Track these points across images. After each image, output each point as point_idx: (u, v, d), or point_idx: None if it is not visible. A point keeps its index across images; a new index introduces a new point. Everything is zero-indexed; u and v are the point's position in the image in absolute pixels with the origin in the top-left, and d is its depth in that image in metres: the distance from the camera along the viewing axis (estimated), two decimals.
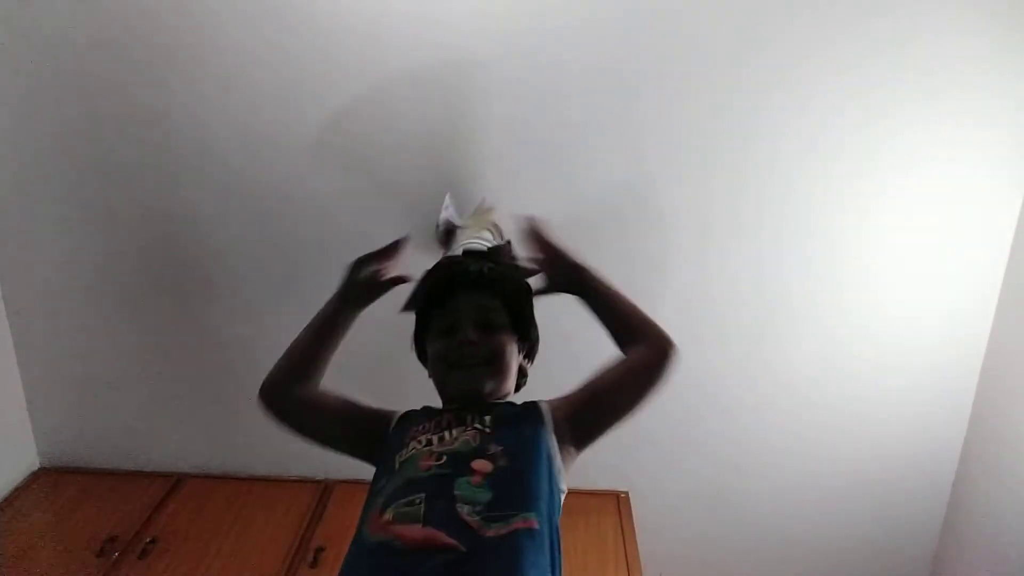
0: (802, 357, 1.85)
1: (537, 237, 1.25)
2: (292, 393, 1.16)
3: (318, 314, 1.23)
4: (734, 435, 1.94)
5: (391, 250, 1.28)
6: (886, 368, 1.85)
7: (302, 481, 1.99)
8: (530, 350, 1.25)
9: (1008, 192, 1.67)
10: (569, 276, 1.22)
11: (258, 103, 1.65)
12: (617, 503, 1.93)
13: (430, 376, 1.19)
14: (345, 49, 1.59)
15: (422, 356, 1.23)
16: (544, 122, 1.65)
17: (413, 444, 1.04)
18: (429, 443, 1.02)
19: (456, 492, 0.92)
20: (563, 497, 1.06)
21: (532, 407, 1.10)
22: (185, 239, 1.80)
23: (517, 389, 1.22)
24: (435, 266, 1.29)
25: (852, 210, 1.70)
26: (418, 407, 1.16)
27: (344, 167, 1.70)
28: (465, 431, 1.03)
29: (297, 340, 1.21)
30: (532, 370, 1.26)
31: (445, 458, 0.98)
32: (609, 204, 1.71)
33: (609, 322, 1.19)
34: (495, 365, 1.13)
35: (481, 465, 0.96)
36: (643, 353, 1.13)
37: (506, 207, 1.65)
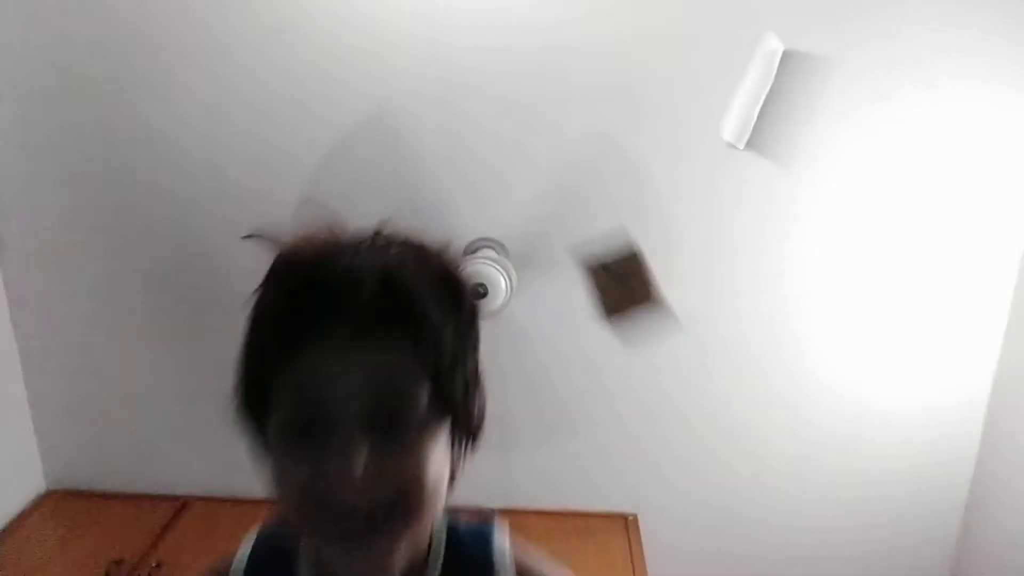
0: (809, 378, 1.84)
1: None
2: None
3: None
4: (742, 457, 1.92)
5: None
6: (895, 389, 1.83)
7: None
8: (469, 431, 0.68)
9: (1016, 207, 1.67)
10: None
11: (266, 121, 1.67)
12: (626, 525, 1.91)
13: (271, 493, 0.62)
14: (350, 68, 1.61)
15: (250, 420, 0.67)
16: (547, 141, 1.66)
17: None
18: None
19: None
20: None
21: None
22: (193, 260, 1.81)
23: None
24: (284, 253, 0.64)
25: (856, 227, 1.69)
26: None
27: (349, 187, 1.71)
28: None
29: None
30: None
31: None
32: (612, 223, 1.72)
33: None
34: (406, 514, 0.59)
35: None
36: None
37: (509, 226, 1.66)
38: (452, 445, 0.64)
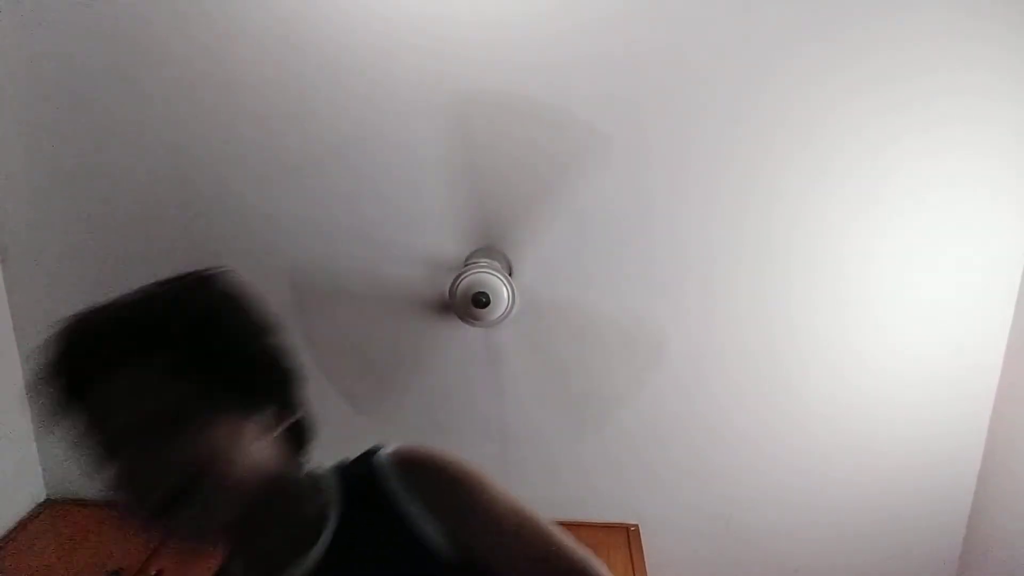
0: (809, 390, 1.84)
1: None
2: None
3: None
4: (743, 468, 1.92)
5: None
6: (895, 401, 1.82)
7: None
8: (275, 394, 0.79)
9: (1017, 221, 1.66)
10: None
11: (271, 136, 1.67)
12: (627, 536, 1.90)
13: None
14: (353, 79, 1.61)
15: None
16: (552, 155, 1.66)
17: None
18: None
19: None
20: None
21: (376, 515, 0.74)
22: (194, 268, 1.81)
23: (300, 447, 0.83)
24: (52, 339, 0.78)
25: (859, 241, 1.69)
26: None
27: (354, 199, 1.71)
28: None
29: None
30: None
31: None
32: (615, 234, 1.72)
33: None
34: (212, 512, 0.70)
35: None
36: None
37: (514, 238, 1.66)
38: (253, 429, 0.74)
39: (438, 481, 0.76)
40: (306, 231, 1.74)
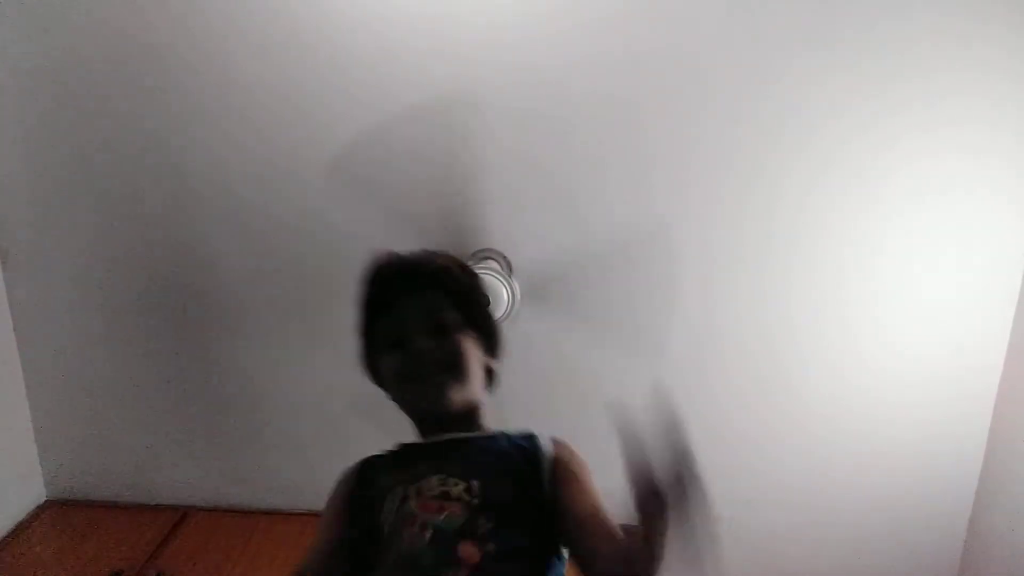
0: (810, 391, 1.83)
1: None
2: None
3: None
4: (743, 468, 1.92)
5: None
6: (895, 401, 1.82)
7: (310, 514, 1.96)
8: (492, 346, 1.14)
9: (1017, 222, 1.66)
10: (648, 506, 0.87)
11: (270, 135, 1.67)
12: None
13: (390, 398, 1.11)
14: (356, 83, 1.61)
15: (376, 376, 1.13)
16: (551, 156, 1.66)
17: (390, 498, 0.96)
18: (407, 504, 0.93)
19: None
20: (564, 566, 0.98)
21: (531, 452, 1.00)
22: (194, 273, 1.81)
23: (489, 391, 1.13)
24: (371, 268, 1.14)
25: (859, 243, 1.69)
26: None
27: (354, 200, 1.71)
28: (448, 496, 0.92)
29: None
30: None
31: (431, 531, 0.89)
32: (616, 237, 1.72)
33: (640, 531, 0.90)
34: (456, 371, 1.04)
35: (468, 552, 0.87)
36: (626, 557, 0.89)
37: (514, 240, 1.66)
38: (481, 351, 1.10)
39: (571, 452, 1.08)
40: (306, 231, 1.74)
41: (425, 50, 1.57)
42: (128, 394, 1.94)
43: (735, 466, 1.91)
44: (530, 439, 1.04)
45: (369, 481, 1.03)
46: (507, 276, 1.59)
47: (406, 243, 1.62)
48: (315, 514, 1.91)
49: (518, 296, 1.58)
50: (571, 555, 0.96)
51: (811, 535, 1.97)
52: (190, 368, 1.91)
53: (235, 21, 1.58)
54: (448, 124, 1.64)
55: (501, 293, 1.53)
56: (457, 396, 1.03)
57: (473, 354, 1.07)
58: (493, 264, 1.63)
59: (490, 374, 1.13)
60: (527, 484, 0.96)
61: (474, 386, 1.06)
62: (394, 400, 1.10)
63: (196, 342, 1.88)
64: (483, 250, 1.69)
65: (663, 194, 1.68)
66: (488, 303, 1.18)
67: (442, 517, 0.90)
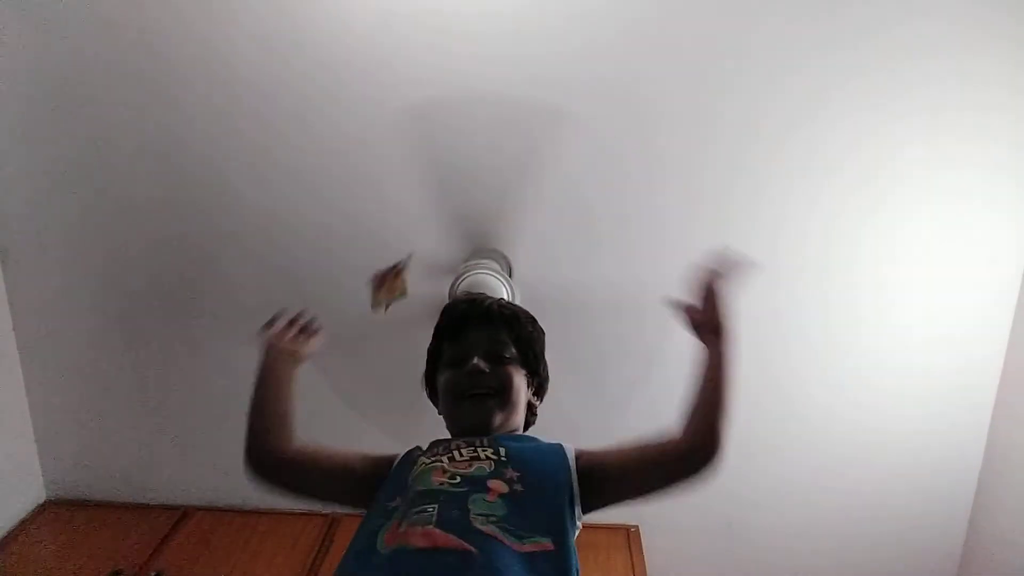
0: (817, 389, 1.84)
1: (710, 288, 1.21)
2: (268, 454, 1.18)
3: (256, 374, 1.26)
4: (746, 468, 1.91)
5: (292, 321, 1.29)
6: (901, 400, 1.83)
7: (309, 514, 1.97)
8: (539, 387, 1.25)
9: (1017, 223, 1.67)
10: (711, 331, 1.20)
11: (271, 136, 1.67)
12: (627, 538, 1.90)
13: (439, 413, 1.20)
14: (354, 79, 1.61)
15: (432, 394, 1.24)
16: (551, 149, 1.66)
17: (422, 460, 1.04)
18: (440, 462, 1.01)
19: (470, 506, 0.91)
20: (577, 534, 1.03)
21: (556, 448, 1.09)
22: (193, 271, 1.81)
23: (526, 427, 1.21)
24: (452, 302, 1.33)
25: (868, 244, 1.70)
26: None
27: (354, 199, 1.71)
28: (478, 459, 1.01)
29: (250, 403, 1.25)
30: (544, 408, 1.24)
31: (459, 479, 0.97)
32: (622, 237, 1.72)
33: (699, 390, 1.17)
34: (504, 396, 1.13)
35: (496, 485, 0.96)
36: (690, 443, 1.10)
37: (517, 240, 1.66)
38: (528, 387, 1.20)
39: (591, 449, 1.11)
40: (306, 231, 1.74)
41: (425, 46, 1.57)
42: (128, 395, 1.95)
43: (735, 466, 1.90)
44: (558, 444, 1.10)
45: (408, 457, 1.10)
46: (507, 275, 1.59)
47: (406, 243, 1.64)
48: (315, 514, 1.94)
49: (518, 296, 1.58)
50: (653, 488, 1.09)
51: (812, 535, 1.98)
52: (190, 368, 1.91)
53: (235, 21, 1.58)
54: (448, 122, 1.64)
55: (502, 293, 1.53)
56: (499, 419, 1.13)
57: (521, 387, 1.17)
58: (493, 263, 1.63)
59: (531, 411, 1.23)
60: (554, 467, 1.04)
61: (517, 415, 1.16)
62: (442, 414, 1.19)
63: (197, 342, 1.88)
64: (482, 249, 1.69)
65: (671, 199, 1.69)
66: (543, 349, 1.26)
67: (472, 468, 0.99)
